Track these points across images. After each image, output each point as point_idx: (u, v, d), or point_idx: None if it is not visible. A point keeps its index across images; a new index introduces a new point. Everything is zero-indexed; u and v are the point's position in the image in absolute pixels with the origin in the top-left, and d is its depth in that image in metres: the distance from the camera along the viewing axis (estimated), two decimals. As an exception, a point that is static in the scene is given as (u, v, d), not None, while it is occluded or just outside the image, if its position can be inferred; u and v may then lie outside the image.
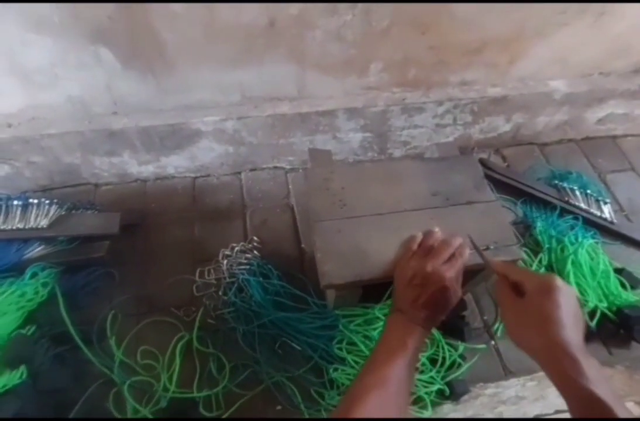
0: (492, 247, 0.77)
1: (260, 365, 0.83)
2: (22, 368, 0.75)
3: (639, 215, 1.18)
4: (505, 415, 0.86)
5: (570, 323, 0.50)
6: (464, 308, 0.91)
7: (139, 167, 1.10)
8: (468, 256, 0.70)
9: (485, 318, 0.97)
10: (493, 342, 0.93)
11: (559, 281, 0.52)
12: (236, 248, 1.00)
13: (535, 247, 1.07)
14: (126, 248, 0.99)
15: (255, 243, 1.03)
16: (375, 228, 0.78)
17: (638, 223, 1.16)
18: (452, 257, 0.69)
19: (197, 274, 0.97)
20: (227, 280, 0.95)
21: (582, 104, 1.19)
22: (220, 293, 0.94)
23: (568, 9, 0.96)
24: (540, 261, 1.03)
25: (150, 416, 0.78)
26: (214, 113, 1.01)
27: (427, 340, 0.85)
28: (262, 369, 0.82)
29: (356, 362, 0.81)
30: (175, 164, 1.12)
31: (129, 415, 0.78)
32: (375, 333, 0.82)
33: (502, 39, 0.99)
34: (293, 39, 0.90)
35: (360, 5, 0.86)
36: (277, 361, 0.85)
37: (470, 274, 0.79)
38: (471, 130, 1.20)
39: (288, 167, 1.20)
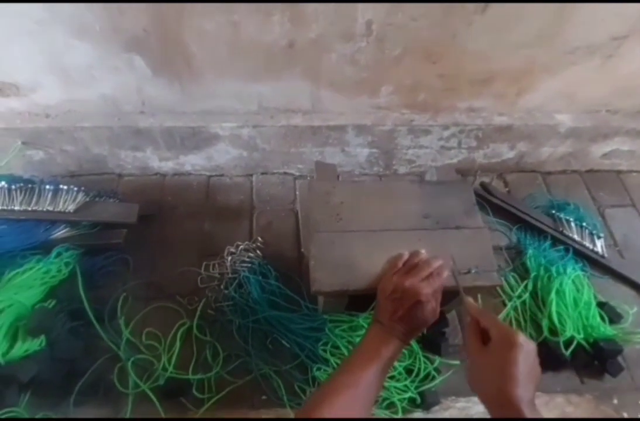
0: (473, 271, 0.82)
1: (251, 357, 0.90)
2: (42, 337, 0.84)
3: (631, 252, 1.20)
4: (471, 430, 0.91)
5: (525, 380, 0.52)
6: (446, 325, 0.96)
7: (159, 162, 1.19)
8: (447, 278, 0.74)
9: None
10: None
11: (521, 338, 0.54)
12: (241, 247, 1.08)
13: (523, 273, 1.12)
14: (142, 237, 1.08)
15: (258, 243, 1.10)
16: (367, 243, 0.84)
17: (629, 260, 1.18)
18: (431, 275, 0.73)
19: (202, 267, 1.05)
20: (230, 275, 1.03)
21: (586, 139, 1.23)
22: (222, 287, 1.01)
23: (577, 50, 1.00)
24: (525, 287, 1.08)
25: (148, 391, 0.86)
26: (232, 120, 1.09)
27: (404, 351, 0.91)
28: (252, 361, 0.89)
29: (338, 364, 0.87)
30: (193, 162, 1.20)
31: (130, 389, 0.86)
32: (357, 340, 0.88)
33: (511, 72, 1.04)
34: (310, 59, 0.97)
35: (375, 33, 0.92)
36: (267, 355, 0.92)
37: (451, 294, 0.84)
38: (475, 154, 1.25)
39: (297, 173, 1.27)
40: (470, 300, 0.69)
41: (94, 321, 0.88)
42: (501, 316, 1.02)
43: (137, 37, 0.90)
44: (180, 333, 0.93)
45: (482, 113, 1.16)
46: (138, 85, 1.01)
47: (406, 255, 0.79)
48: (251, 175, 1.25)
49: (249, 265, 1.03)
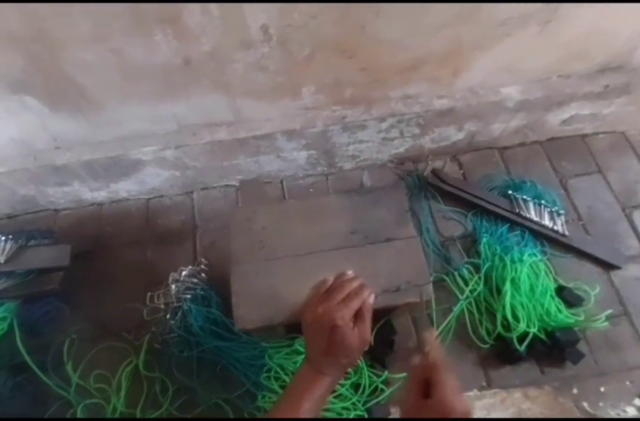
0: (402, 287, 0.79)
1: (200, 389, 0.91)
2: (-17, 398, 0.85)
3: (596, 225, 1.15)
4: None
5: None
6: (393, 333, 0.95)
7: (91, 193, 1.14)
8: (368, 295, 0.69)
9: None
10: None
11: (458, 412, 0.52)
12: (184, 273, 1.05)
13: (479, 263, 1.08)
14: (82, 276, 1.06)
15: (203, 266, 1.07)
16: (292, 270, 0.81)
17: (594, 235, 1.13)
18: (348, 297, 0.68)
19: (147, 298, 1.04)
20: (175, 304, 1.01)
21: (540, 109, 1.13)
22: (168, 317, 1.00)
23: (508, 21, 0.89)
24: (478, 279, 1.04)
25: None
26: (152, 144, 1.03)
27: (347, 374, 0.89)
28: (200, 393, 0.90)
29: (283, 388, 0.87)
30: (126, 188, 1.16)
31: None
32: (297, 365, 0.88)
33: (438, 55, 0.94)
34: (213, 73, 0.89)
35: (275, 37, 0.83)
36: (218, 384, 0.92)
37: (383, 312, 0.82)
38: (421, 140, 1.17)
39: (238, 184, 1.21)
40: (431, 339, 0.63)
41: (39, 372, 0.89)
42: (455, 312, 1.00)
43: (18, 79, 0.83)
44: (126, 372, 0.93)
45: (420, 99, 1.07)
46: (42, 123, 0.95)
47: (330, 280, 0.76)
48: (191, 192, 1.21)
49: (192, 292, 1.01)
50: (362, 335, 0.66)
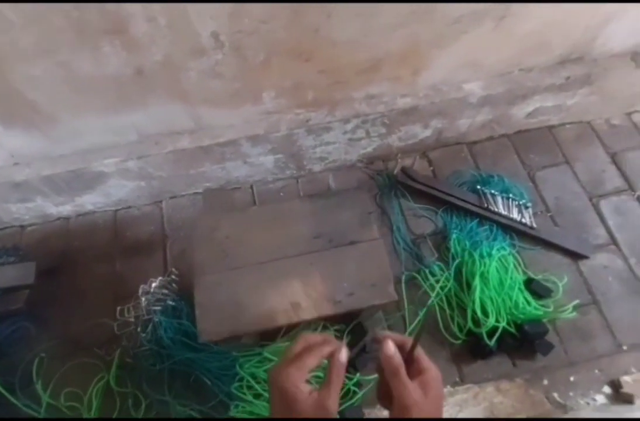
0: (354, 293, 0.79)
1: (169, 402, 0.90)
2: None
3: (564, 216, 1.16)
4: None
5: None
6: (365, 334, 0.95)
7: (56, 207, 1.12)
8: (335, 350, 0.51)
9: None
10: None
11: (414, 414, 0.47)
12: (154, 284, 1.04)
13: (450, 260, 1.09)
14: (49, 292, 1.05)
15: (173, 276, 1.07)
16: (255, 278, 0.80)
17: (562, 225, 1.15)
18: (303, 351, 0.52)
19: (117, 312, 1.03)
20: (145, 317, 1.01)
21: (503, 103, 1.14)
22: (139, 330, 1.00)
23: (462, 19, 0.88)
24: (448, 275, 1.05)
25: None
26: (114, 155, 1.01)
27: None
28: (172, 406, 0.90)
29: (255, 397, 0.87)
30: (92, 201, 1.14)
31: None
32: (264, 374, 0.87)
33: (396, 55, 0.93)
34: (168, 81, 0.87)
35: (227, 43, 0.82)
36: (192, 394, 0.92)
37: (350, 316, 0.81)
38: (388, 139, 1.17)
39: (203, 192, 1.20)
40: (390, 348, 0.51)
41: (6, 393, 0.88)
42: (426, 310, 1.01)
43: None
44: (97, 389, 0.93)
45: (383, 98, 1.07)
46: (-4, 140, 0.93)
47: (300, 343, 0.55)
48: (160, 201, 1.19)
49: (163, 303, 1.00)
50: (321, 402, 0.48)
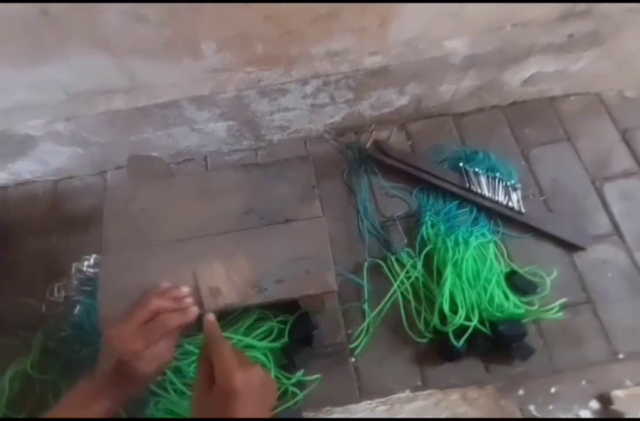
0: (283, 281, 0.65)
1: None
2: None
3: (561, 200, 1.00)
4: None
5: None
6: (312, 328, 0.82)
7: (-11, 175, 1.02)
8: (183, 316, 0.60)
9: (349, 331, 0.88)
10: (353, 359, 0.86)
11: (239, 384, 0.46)
12: (86, 262, 0.94)
13: (423, 247, 0.94)
14: (-24, 268, 0.95)
15: (109, 255, 0.96)
16: (170, 258, 0.68)
17: (557, 211, 0.99)
18: (152, 324, 0.58)
19: (48, 291, 0.93)
20: (76, 297, 0.91)
21: (493, 66, 0.97)
22: (65, 312, 0.90)
23: (434, -49, 0.73)
24: (415, 264, 0.91)
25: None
26: (39, 116, 0.90)
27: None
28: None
29: (175, 391, 0.76)
30: (29, 169, 1.03)
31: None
32: (188, 368, 0.76)
33: (356, -1, 0.78)
34: (81, 25, 0.75)
35: (144, -23, 0.68)
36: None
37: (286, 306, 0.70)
38: (358, 107, 1.02)
39: (127, 160, 1.08)
40: (210, 319, 0.59)
41: None
42: (388, 300, 0.87)
43: None
44: (15, 373, 0.83)
45: (349, 56, 0.92)
46: None
47: (162, 289, 0.63)
48: (104, 171, 1.08)
49: (93, 283, 0.89)
50: (159, 359, 0.57)
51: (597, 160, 1.04)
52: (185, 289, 0.64)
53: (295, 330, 0.80)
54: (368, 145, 1.05)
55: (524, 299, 0.87)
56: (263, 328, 0.81)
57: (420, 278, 0.90)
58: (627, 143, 1.06)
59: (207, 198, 0.72)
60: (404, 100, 1.03)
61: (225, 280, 0.66)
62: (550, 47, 0.94)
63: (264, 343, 0.79)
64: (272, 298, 0.63)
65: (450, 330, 0.80)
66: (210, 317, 0.60)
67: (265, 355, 0.79)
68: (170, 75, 0.89)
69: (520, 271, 0.89)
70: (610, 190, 1.00)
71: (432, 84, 0.99)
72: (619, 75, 1.08)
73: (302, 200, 0.71)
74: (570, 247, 0.94)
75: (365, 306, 0.88)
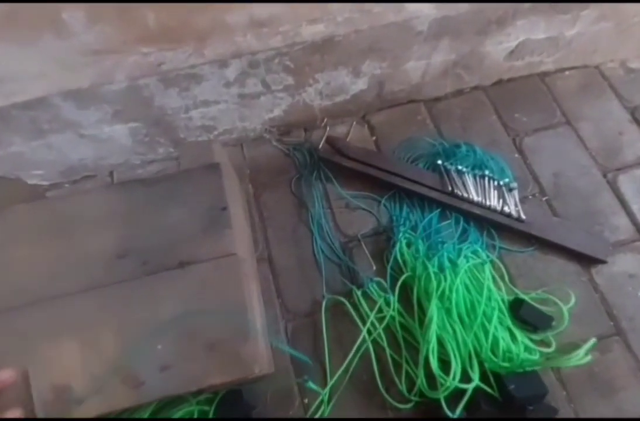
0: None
1: None
2: None
3: (567, 200, 0.79)
4: None
5: None
6: (251, 407, 0.58)
7: None
8: None
9: (305, 401, 0.65)
10: None
11: None
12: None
13: (399, 274, 0.71)
14: None
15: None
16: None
17: (565, 215, 0.78)
18: None
19: None
20: None
21: (470, 33, 0.75)
22: None
23: None
24: (387, 300, 0.68)
25: None
26: None
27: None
28: None
29: None
30: None
31: None
32: None
33: None
34: None
35: None
36: None
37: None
38: (303, 95, 0.79)
39: (46, 183, 0.83)
40: None
41: None
42: (356, 352, 0.64)
43: None
44: None
45: (280, 26, 0.68)
46: None
47: None
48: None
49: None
50: None
51: (605, 147, 0.84)
52: (6, 374, 0.39)
53: (224, 411, 0.56)
54: (321, 144, 0.81)
55: (536, 336, 0.66)
56: (179, 414, 0.56)
57: (397, 318, 0.67)
58: (638, 123, 0.86)
59: (63, 234, 0.47)
60: (361, 84, 0.80)
61: (80, 372, 0.41)
62: (539, 6, 0.73)
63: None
64: (153, 396, 0.39)
65: (441, 396, 0.57)
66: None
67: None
68: (28, 61, 0.63)
69: (528, 298, 0.68)
70: (626, 184, 0.80)
71: (395, 61, 0.77)
72: (622, 41, 0.88)
73: (206, 231, 0.47)
74: (586, 261, 0.74)
75: (310, 384, 0.63)
